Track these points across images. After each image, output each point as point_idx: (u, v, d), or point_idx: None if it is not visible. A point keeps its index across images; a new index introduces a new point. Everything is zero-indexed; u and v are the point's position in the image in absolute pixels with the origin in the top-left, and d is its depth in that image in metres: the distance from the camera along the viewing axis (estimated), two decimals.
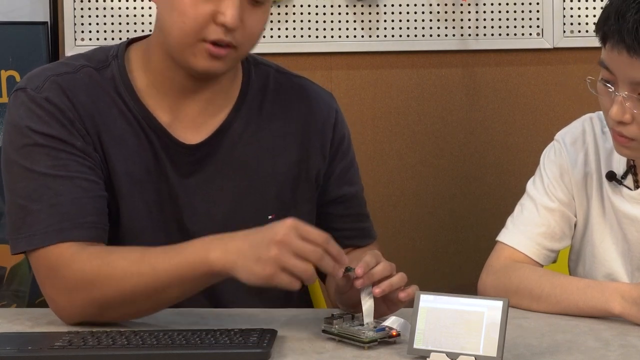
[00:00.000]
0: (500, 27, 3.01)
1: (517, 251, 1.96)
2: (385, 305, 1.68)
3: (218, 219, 1.88)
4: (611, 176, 1.93)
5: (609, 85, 1.79)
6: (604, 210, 1.95)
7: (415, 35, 3.00)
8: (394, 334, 1.62)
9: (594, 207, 1.96)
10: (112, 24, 2.95)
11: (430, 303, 1.55)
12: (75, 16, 2.94)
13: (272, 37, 2.96)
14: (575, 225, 1.99)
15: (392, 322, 1.63)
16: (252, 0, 1.78)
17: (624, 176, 1.93)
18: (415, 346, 1.54)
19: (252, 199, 1.91)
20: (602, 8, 2.95)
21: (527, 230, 1.97)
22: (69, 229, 1.74)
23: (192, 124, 1.88)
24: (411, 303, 1.57)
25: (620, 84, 1.77)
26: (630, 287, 1.76)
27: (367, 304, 1.65)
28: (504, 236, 1.99)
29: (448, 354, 1.51)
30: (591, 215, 1.96)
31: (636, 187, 1.91)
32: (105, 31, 2.95)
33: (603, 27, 1.78)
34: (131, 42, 1.93)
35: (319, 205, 2.00)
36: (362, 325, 1.64)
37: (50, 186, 1.76)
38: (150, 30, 2.97)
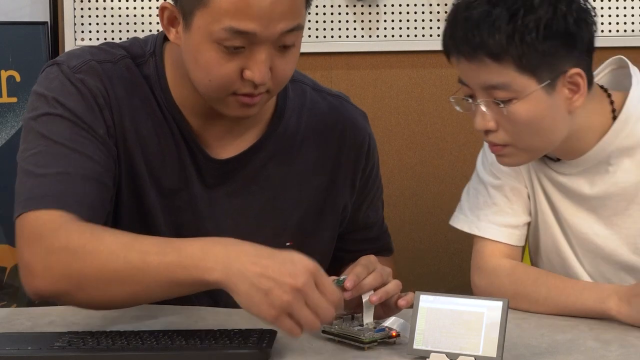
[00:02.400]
0: None
1: (493, 242, 1.95)
2: (382, 310, 1.68)
3: (238, 236, 1.81)
4: None
5: (468, 99, 1.80)
6: (540, 181, 1.95)
7: (415, 35, 3.00)
8: (394, 334, 1.62)
9: (534, 178, 1.95)
10: (112, 24, 2.95)
11: (430, 303, 1.55)
12: (75, 16, 2.94)
13: None
14: (529, 197, 1.97)
15: (392, 322, 1.63)
16: (280, 47, 1.69)
17: None
18: (415, 346, 1.54)
19: (273, 222, 1.86)
20: (601, 8, 2.96)
21: (484, 215, 1.96)
22: (69, 201, 1.65)
23: (219, 142, 1.83)
24: (411, 304, 1.57)
25: (476, 93, 1.79)
26: (627, 288, 1.76)
27: (368, 306, 1.65)
28: (475, 228, 1.97)
29: (448, 354, 1.51)
30: (534, 186, 1.96)
31: (557, 159, 1.92)
32: (105, 31, 2.95)
33: (445, 45, 1.81)
34: (165, 36, 1.83)
35: (345, 231, 1.97)
36: (362, 325, 1.64)
37: (62, 156, 1.69)
38: (151, 31, 2.97)
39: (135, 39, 1.87)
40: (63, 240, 1.60)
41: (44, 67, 1.81)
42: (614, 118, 1.85)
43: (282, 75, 1.72)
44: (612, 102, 1.86)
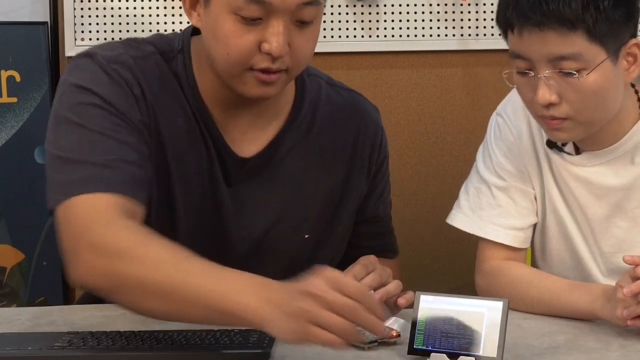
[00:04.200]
0: None
1: (495, 244, 1.94)
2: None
3: (258, 232, 1.84)
4: (551, 144, 1.92)
5: (527, 72, 1.77)
6: (555, 178, 1.94)
7: (415, 35, 3.00)
8: (394, 334, 1.62)
9: (547, 176, 1.94)
10: (112, 24, 2.95)
11: (430, 303, 1.55)
12: (75, 16, 2.94)
13: None
14: (536, 199, 1.97)
15: (392, 322, 1.63)
16: (299, 22, 1.68)
17: (564, 143, 1.91)
18: (415, 346, 1.54)
19: (293, 215, 1.87)
20: None
21: (487, 216, 1.95)
22: (115, 182, 1.62)
23: (243, 136, 1.82)
24: (411, 303, 1.57)
25: (538, 66, 1.75)
26: (612, 288, 1.72)
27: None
28: (477, 229, 1.96)
29: (448, 355, 1.51)
30: (546, 185, 1.94)
31: (577, 153, 1.91)
32: (105, 31, 2.95)
33: (505, 16, 1.77)
34: (193, 31, 1.82)
35: (354, 222, 1.97)
36: None
37: (101, 144, 1.66)
38: (151, 31, 2.97)
39: (160, 35, 1.86)
40: (111, 237, 1.55)
41: (74, 58, 1.78)
42: None
43: (301, 54, 1.71)
44: (637, 92, 1.87)
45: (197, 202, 1.80)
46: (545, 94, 1.75)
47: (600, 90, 1.75)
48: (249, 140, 1.83)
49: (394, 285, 1.68)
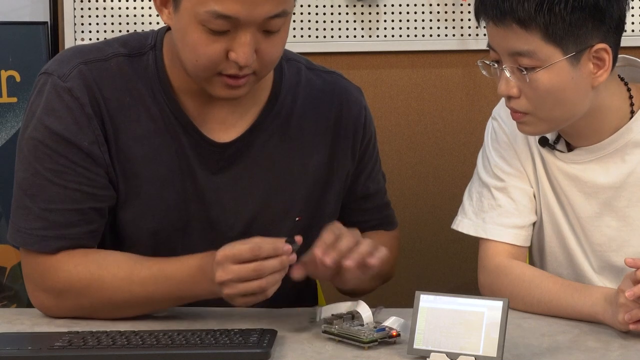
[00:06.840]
0: None
1: (498, 243, 1.94)
2: (361, 271, 1.68)
3: (246, 217, 1.87)
4: (544, 142, 1.94)
5: (494, 64, 1.83)
6: (548, 176, 1.95)
7: (415, 35, 3.00)
8: (394, 334, 1.62)
9: (541, 174, 1.96)
10: (112, 24, 2.95)
11: (430, 303, 1.55)
12: (75, 16, 2.94)
13: None
14: (534, 197, 1.97)
15: (392, 322, 1.64)
16: (265, 31, 1.72)
17: (557, 141, 1.94)
18: (415, 346, 1.54)
19: (280, 198, 1.89)
20: None
21: (489, 217, 1.95)
22: (54, 238, 1.76)
23: (222, 125, 1.85)
24: (411, 303, 1.57)
25: (502, 59, 1.82)
26: (614, 292, 1.72)
27: (366, 313, 1.66)
28: (481, 231, 1.96)
29: (448, 354, 1.51)
30: (541, 183, 1.96)
31: (569, 150, 1.93)
32: (105, 31, 2.95)
33: (476, 9, 1.83)
34: (168, 29, 1.86)
35: (345, 201, 1.99)
36: (362, 325, 1.64)
37: (45, 189, 1.77)
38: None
39: (136, 33, 1.90)
40: (65, 282, 1.74)
41: (38, 75, 1.83)
42: (632, 104, 1.88)
43: (268, 58, 1.75)
44: (629, 90, 1.89)
45: (178, 196, 1.84)
46: (504, 87, 1.82)
47: (554, 89, 1.79)
48: (228, 127, 1.85)
49: (365, 246, 1.68)
